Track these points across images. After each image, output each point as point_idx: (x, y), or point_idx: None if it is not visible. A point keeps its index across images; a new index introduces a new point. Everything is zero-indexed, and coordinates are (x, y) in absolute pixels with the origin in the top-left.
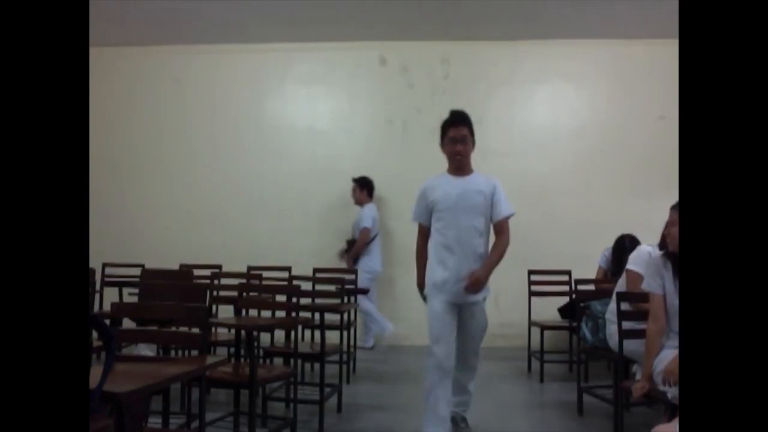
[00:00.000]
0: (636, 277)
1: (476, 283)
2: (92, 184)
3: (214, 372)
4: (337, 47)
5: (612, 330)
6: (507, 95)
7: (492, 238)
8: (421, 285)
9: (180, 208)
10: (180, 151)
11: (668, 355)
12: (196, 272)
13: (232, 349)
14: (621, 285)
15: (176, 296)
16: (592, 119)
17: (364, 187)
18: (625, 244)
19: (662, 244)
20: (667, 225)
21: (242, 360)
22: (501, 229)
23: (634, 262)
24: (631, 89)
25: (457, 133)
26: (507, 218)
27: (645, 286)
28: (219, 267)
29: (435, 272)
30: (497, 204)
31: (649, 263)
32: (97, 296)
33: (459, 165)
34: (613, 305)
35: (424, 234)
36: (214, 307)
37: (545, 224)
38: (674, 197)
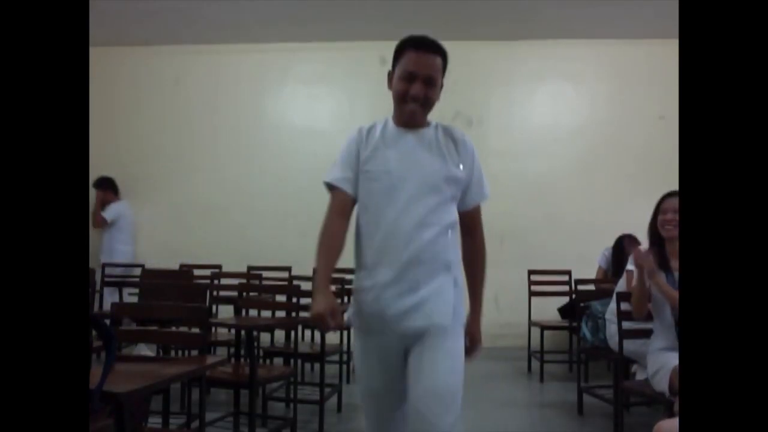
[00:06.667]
0: (630, 276)
1: (476, 345)
2: (92, 184)
3: (214, 372)
4: (337, 47)
5: (612, 330)
6: (507, 95)
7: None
8: (327, 304)
9: (180, 208)
10: (180, 151)
11: (668, 359)
12: (196, 272)
13: (232, 349)
14: (621, 285)
15: (176, 296)
16: (592, 119)
17: (106, 188)
18: (625, 244)
19: (652, 238)
20: (664, 211)
21: (242, 360)
22: (474, 222)
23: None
24: (631, 89)
25: (421, 65)
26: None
27: (629, 267)
28: (219, 267)
29: (359, 282)
30: (473, 180)
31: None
32: (97, 296)
33: (412, 117)
34: (613, 305)
35: (341, 206)
36: (214, 307)
37: (545, 224)
38: None
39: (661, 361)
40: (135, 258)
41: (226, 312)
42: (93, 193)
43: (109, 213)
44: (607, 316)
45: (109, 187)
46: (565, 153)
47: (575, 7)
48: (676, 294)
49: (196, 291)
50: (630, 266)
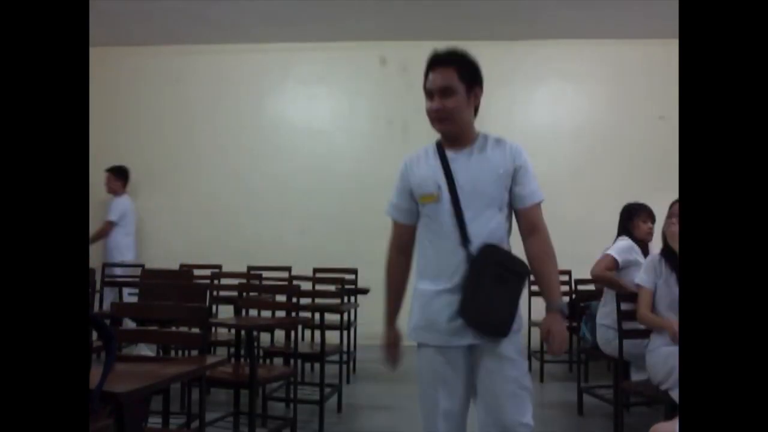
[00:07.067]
0: (608, 260)
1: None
2: (92, 183)
3: (214, 372)
4: (337, 47)
5: (607, 336)
6: (507, 95)
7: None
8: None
9: (180, 208)
10: (180, 151)
11: (669, 353)
12: (196, 272)
13: (232, 349)
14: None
15: (176, 296)
16: (591, 119)
17: (119, 178)
18: (634, 208)
19: (665, 243)
20: (671, 216)
21: (242, 360)
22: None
23: (615, 248)
24: (631, 89)
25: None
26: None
27: (638, 280)
28: (219, 267)
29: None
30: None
31: (647, 259)
32: (97, 296)
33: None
34: (604, 308)
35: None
36: (214, 307)
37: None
38: (674, 197)
39: (665, 352)
40: (137, 252)
41: (226, 312)
42: (99, 192)
43: (113, 213)
44: (599, 320)
45: (120, 178)
46: (565, 153)
47: (575, 7)
48: None
49: (196, 291)
50: (610, 251)
